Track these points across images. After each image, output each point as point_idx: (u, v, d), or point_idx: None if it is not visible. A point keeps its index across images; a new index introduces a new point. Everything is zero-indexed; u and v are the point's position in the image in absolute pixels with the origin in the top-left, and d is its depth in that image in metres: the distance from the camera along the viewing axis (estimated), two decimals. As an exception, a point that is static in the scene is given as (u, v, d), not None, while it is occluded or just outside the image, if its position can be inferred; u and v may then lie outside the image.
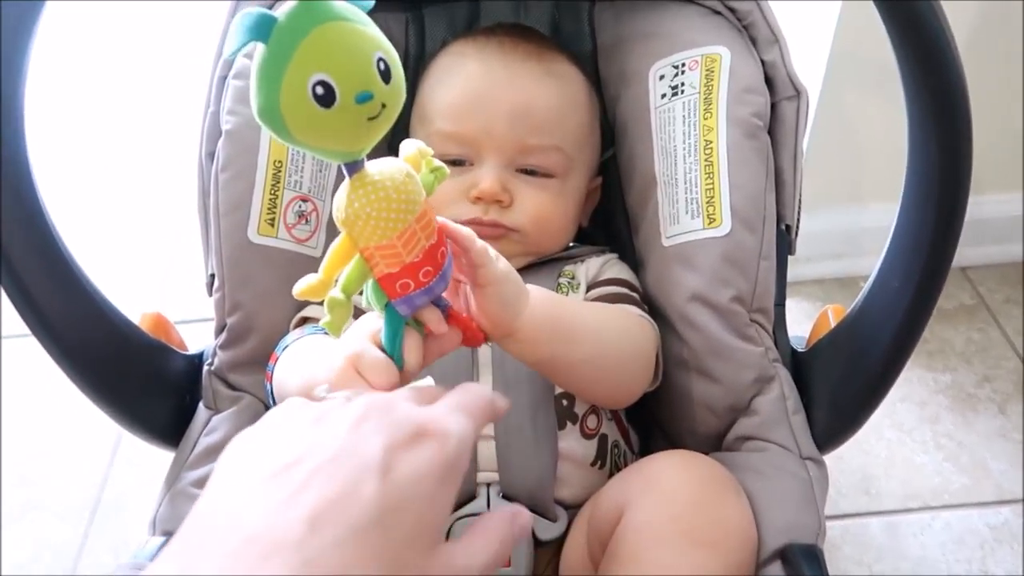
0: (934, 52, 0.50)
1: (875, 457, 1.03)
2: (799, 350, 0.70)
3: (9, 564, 0.99)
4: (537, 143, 0.69)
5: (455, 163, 0.69)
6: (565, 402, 0.65)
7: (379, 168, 0.45)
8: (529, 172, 0.70)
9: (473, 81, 0.70)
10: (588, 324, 0.61)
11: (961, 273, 1.26)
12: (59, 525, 1.03)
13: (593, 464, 0.65)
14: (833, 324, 0.66)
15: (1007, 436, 1.05)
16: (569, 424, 0.65)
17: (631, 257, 0.77)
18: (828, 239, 1.21)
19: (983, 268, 1.26)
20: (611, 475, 0.65)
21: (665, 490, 0.56)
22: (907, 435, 1.06)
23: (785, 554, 0.56)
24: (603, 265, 0.73)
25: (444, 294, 0.50)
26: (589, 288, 0.70)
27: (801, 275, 1.21)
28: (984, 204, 1.22)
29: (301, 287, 0.44)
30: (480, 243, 0.51)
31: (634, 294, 0.70)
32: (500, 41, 0.72)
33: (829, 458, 1.01)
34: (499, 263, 0.53)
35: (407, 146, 0.50)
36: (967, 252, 1.26)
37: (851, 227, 1.20)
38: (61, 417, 1.13)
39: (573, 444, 0.64)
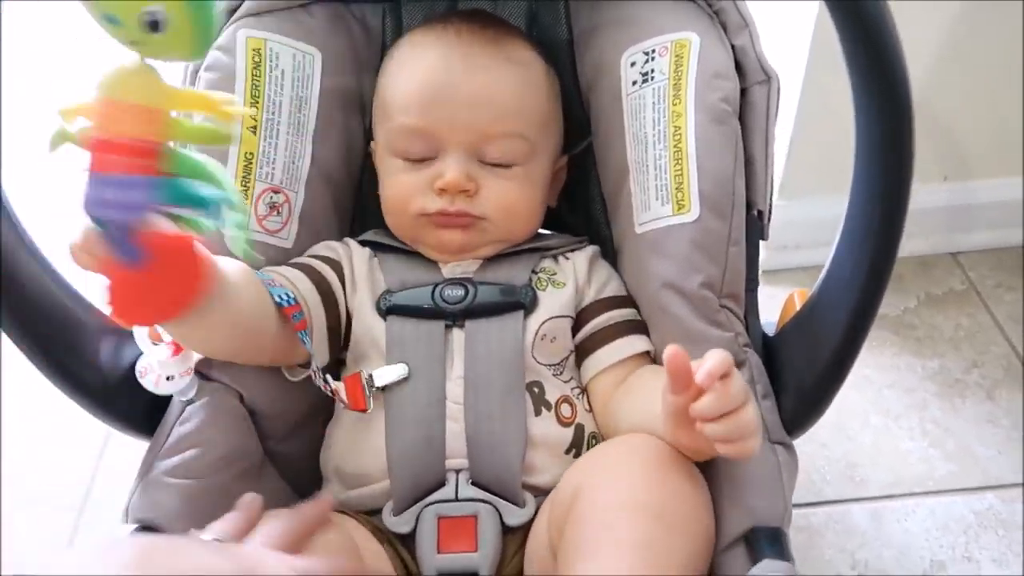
0: (875, 43, 0.50)
1: (860, 444, 1.03)
2: (771, 335, 0.70)
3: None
4: (500, 131, 0.69)
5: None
6: (536, 390, 0.66)
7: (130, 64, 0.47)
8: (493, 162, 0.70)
9: (432, 73, 0.69)
10: None
11: (952, 259, 1.25)
12: (50, 518, 1.03)
13: (568, 452, 0.66)
14: (799, 308, 0.66)
15: (995, 422, 1.05)
16: (544, 411, 0.65)
17: (609, 246, 0.77)
18: (814, 226, 1.20)
19: (975, 253, 1.25)
20: None
21: (619, 470, 0.56)
22: (893, 422, 1.05)
23: (748, 538, 0.56)
24: (592, 270, 0.72)
25: None
26: (586, 306, 0.70)
27: (787, 263, 1.21)
28: (977, 190, 1.21)
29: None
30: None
31: (639, 316, 0.70)
32: (458, 30, 0.72)
33: (814, 445, 1.02)
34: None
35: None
36: (958, 238, 1.25)
37: (837, 214, 1.18)
38: (50, 412, 1.13)
39: (550, 430, 0.65)
